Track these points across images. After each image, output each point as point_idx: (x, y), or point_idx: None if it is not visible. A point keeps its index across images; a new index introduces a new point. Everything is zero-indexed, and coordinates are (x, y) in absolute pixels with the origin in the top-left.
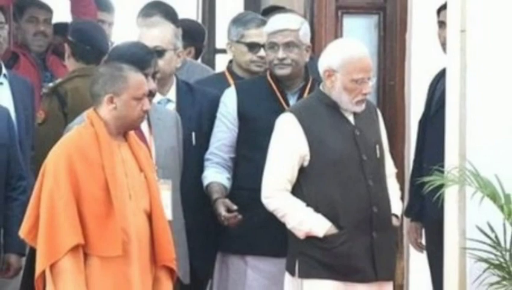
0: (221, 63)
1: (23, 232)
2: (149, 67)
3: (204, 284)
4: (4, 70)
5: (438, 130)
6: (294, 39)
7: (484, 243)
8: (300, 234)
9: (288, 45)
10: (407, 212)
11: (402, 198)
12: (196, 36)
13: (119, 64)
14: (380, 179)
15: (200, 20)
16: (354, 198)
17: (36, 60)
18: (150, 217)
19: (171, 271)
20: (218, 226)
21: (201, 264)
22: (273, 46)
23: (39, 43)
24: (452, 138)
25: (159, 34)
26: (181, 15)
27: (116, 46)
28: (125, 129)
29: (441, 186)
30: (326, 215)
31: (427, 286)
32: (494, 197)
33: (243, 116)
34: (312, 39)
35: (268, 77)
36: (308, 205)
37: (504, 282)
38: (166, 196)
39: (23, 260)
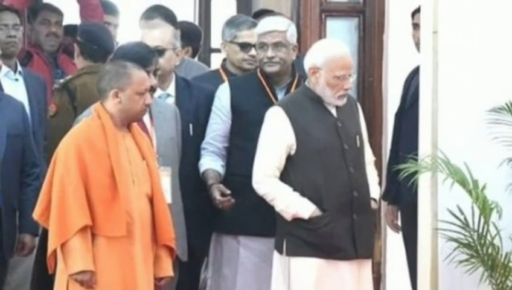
0: (216, 61)
1: (36, 214)
2: (150, 65)
3: (200, 262)
4: (19, 68)
5: (412, 122)
6: (282, 39)
7: (454, 224)
8: (288, 216)
9: (276, 45)
10: (385, 196)
11: (380, 183)
12: (193, 37)
13: (123, 62)
14: (360, 167)
15: (196, 22)
16: (336, 183)
17: (48, 59)
18: (151, 200)
19: (170, 249)
20: (213, 209)
21: (198, 243)
22: (263, 45)
23: (51, 43)
24: (425, 129)
25: (160, 34)
26: (179, 17)
27: (121, 46)
28: (129, 121)
29: (415, 172)
30: (311, 199)
31: (403, 263)
32: (463, 182)
33: (235, 109)
34: (298, 39)
35: (259, 74)
36: (294, 189)
37: (472, 260)
38: (166, 182)
39: (37, 239)
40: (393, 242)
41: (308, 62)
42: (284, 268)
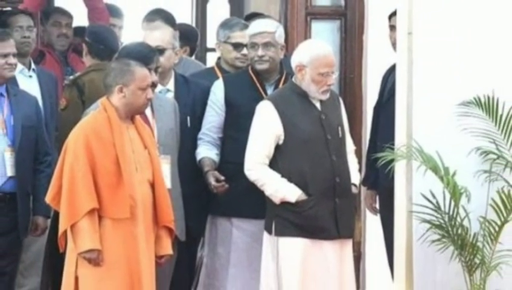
0: (211, 59)
1: (48, 198)
2: (152, 63)
3: (197, 241)
4: (33, 66)
5: (389, 115)
6: (271, 40)
7: (427, 207)
8: (276, 200)
9: (266, 45)
10: (364, 181)
11: (360, 170)
12: (190, 37)
13: (127, 61)
14: (342, 155)
15: (193, 24)
16: (320, 170)
17: (59, 57)
18: (152, 186)
19: (170, 230)
20: (209, 194)
21: (195, 224)
22: (254, 45)
23: (62, 43)
24: (401, 121)
25: (160, 35)
26: (178, 20)
27: (125, 46)
28: (132, 114)
29: (392, 160)
30: (298, 184)
31: (381, 242)
32: (435, 169)
33: (229, 103)
34: (286, 40)
35: (250, 71)
36: (282, 176)
37: (443, 239)
38: (166, 169)
39: (49, 221)
40: (372, 223)
41: (295, 60)
42: (273, 247)
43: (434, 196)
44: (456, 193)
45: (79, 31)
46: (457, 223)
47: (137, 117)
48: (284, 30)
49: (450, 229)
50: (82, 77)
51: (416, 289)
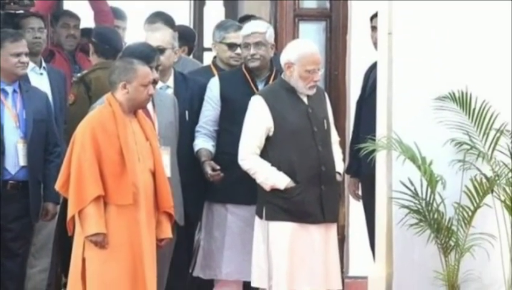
0: (207, 58)
1: (57, 186)
2: (153, 61)
3: (195, 226)
4: (44, 64)
5: (371, 109)
6: (262, 39)
7: (406, 194)
8: (267, 187)
9: (257, 44)
10: (348, 170)
11: (344, 159)
12: (189, 38)
13: (130, 59)
14: (327, 145)
15: (191, 26)
16: (307, 159)
17: (68, 56)
18: (153, 174)
19: (169, 215)
20: (206, 182)
21: (192, 210)
22: (246, 45)
23: (70, 43)
24: (382, 114)
25: (161, 36)
26: (177, 22)
27: (128, 46)
28: (135, 108)
29: (373, 150)
30: (286, 172)
31: (363, 226)
32: (413, 159)
33: (224, 98)
34: (275, 39)
35: (243, 69)
36: (272, 165)
37: (421, 224)
38: (166, 159)
39: (58, 207)
40: (355, 209)
41: (284, 58)
42: (263, 230)
43: (412, 184)
44: (432, 181)
45: (86, 32)
46: (433, 208)
47: (140, 111)
48: (274, 30)
49: (427, 214)
50: (89, 74)
51: (395, 269)
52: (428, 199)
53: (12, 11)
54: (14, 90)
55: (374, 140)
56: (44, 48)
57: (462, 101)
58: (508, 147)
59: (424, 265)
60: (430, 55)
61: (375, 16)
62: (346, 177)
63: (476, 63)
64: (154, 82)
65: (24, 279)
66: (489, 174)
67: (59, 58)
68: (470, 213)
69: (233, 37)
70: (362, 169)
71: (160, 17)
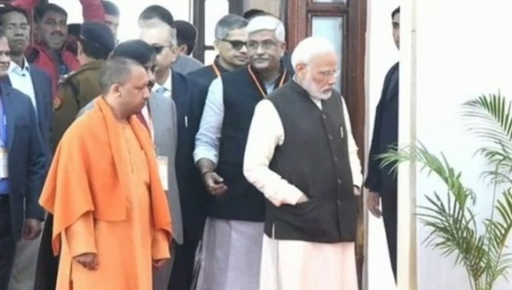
0: (209, 58)
1: (42, 200)
2: (149, 61)
3: (195, 244)
4: (26, 64)
5: (392, 114)
6: (271, 38)
7: (431, 209)
8: (276, 202)
9: (266, 43)
10: (367, 183)
11: (362, 171)
12: (188, 35)
13: (123, 59)
14: (344, 156)
15: (191, 22)
16: (321, 171)
17: (53, 55)
18: (149, 187)
19: (167, 233)
20: (207, 195)
21: (192, 227)
22: (253, 43)
23: (56, 41)
24: (404, 120)
25: (157, 33)
26: (175, 17)
27: (121, 44)
28: (128, 113)
29: (395, 161)
30: (298, 186)
31: (383, 246)
32: (439, 171)
33: (227, 102)
34: (286, 37)
35: (249, 70)
36: (282, 177)
37: (448, 243)
38: (163, 170)
39: (43, 224)
40: (374, 226)
41: (295, 59)
42: (272, 250)
43: (438, 198)
44: (461, 195)
45: (74, 28)
46: (462, 226)
47: (134, 117)
48: (284, 27)
49: (454, 232)
50: (77, 75)
51: None
52: (456, 215)
53: None
54: None
55: (396, 150)
56: (27, 46)
57: (494, 106)
58: None
59: (451, 289)
60: (458, 55)
61: (397, 11)
62: (365, 191)
63: (510, 64)
64: (150, 84)
65: None
66: None
67: (44, 58)
68: (503, 231)
69: (238, 34)
70: (383, 182)
71: (157, 12)
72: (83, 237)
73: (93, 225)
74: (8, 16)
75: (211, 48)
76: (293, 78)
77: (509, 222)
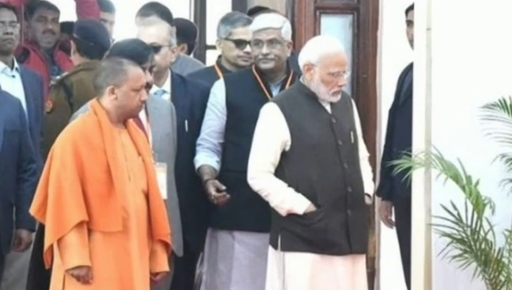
0: (211, 58)
1: (33, 210)
2: (146, 61)
3: (196, 257)
4: (16, 65)
5: (406, 118)
6: (277, 36)
7: (448, 219)
8: (283, 211)
9: (271, 42)
10: (379, 191)
11: (374, 179)
12: (189, 34)
13: (119, 59)
14: (354, 162)
15: (192, 19)
16: (330, 179)
17: (45, 55)
18: (147, 196)
19: (166, 245)
20: (209, 204)
21: (193, 238)
22: (258, 42)
23: (47, 40)
24: (419, 125)
25: (156, 31)
26: (175, 14)
27: (117, 43)
28: (125, 117)
29: (409, 168)
30: (306, 194)
31: (397, 258)
32: (456, 178)
33: (230, 105)
34: (293, 36)
35: (254, 71)
36: (289, 185)
37: (465, 255)
38: (161, 177)
39: (33, 235)
40: (387, 237)
41: (303, 59)
42: (278, 263)
43: (455, 208)
44: (479, 204)
45: (66, 26)
46: (480, 237)
47: (131, 121)
48: (290, 26)
49: (472, 243)
50: (70, 76)
51: None
52: (474, 225)
53: None
54: None
55: (410, 156)
56: (17, 46)
57: None
58: None
59: None
60: (476, 54)
61: (411, 8)
62: (377, 200)
63: None
64: (148, 86)
65: None
66: None
67: (34, 58)
68: None
69: (242, 32)
70: (396, 190)
71: (155, 9)
72: (77, 249)
73: (87, 236)
74: None
75: (213, 47)
76: (300, 79)
77: None
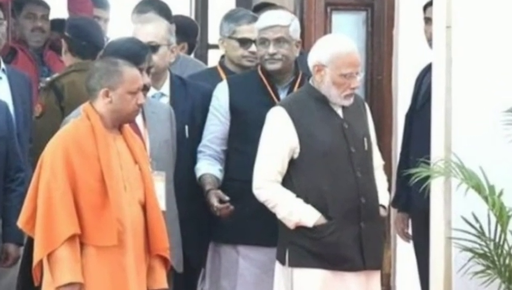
0: (213, 58)
1: (21, 222)
2: (143, 62)
3: (197, 273)
4: (3, 65)
5: (424, 123)
6: (284, 35)
7: (469, 233)
8: (291, 224)
9: (278, 41)
10: (394, 203)
11: (389, 189)
12: (189, 32)
13: (114, 59)
14: (368, 171)
15: (193, 17)
16: (342, 189)
17: (34, 55)
18: (144, 207)
19: (164, 260)
20: (211, 217)
21: (194, 253)
22: (264, 41)
23: (37, 39)
24: (438, 130)
25: (153, 29)
26: (174, 11)
27: (112, 42)
28: (120, 122)
29: (427, 177)
30: (316, 206)
31: (414, 275)
32: (478, 188)
33: (234, 109)
34: (302, 35)
35: (260, 72)
36: (298, 196)
37: (488, 271)
38: (160, 187)
39: (21, 249)
40: (403, 252)
41: (313, 59)
42: (286, 280)
43: (477, 220)
44: (503, 216)
45: (57, 24)
46: (504, 251)
47: (127, 126)
48: (299, 23)
49: (496, 258)
50: (61, 78)
51: None
52: (497, 239)
53: None
54: None
55: (428, 164)
56: (3, 45)
57: None
58: None
59: None
60: (499, 54)
61: (429, 4)
62: (393, 211)
63: None
64: (145, 88)
65: None
66: None
67: (23, 58)
68: None
69: (247, 30)
70: (413, 201)
71: (153, 5)
72: (68, 265)
73: (79, 251)
74: None
75: (216, 46)
76: (310, 81)
77: None
